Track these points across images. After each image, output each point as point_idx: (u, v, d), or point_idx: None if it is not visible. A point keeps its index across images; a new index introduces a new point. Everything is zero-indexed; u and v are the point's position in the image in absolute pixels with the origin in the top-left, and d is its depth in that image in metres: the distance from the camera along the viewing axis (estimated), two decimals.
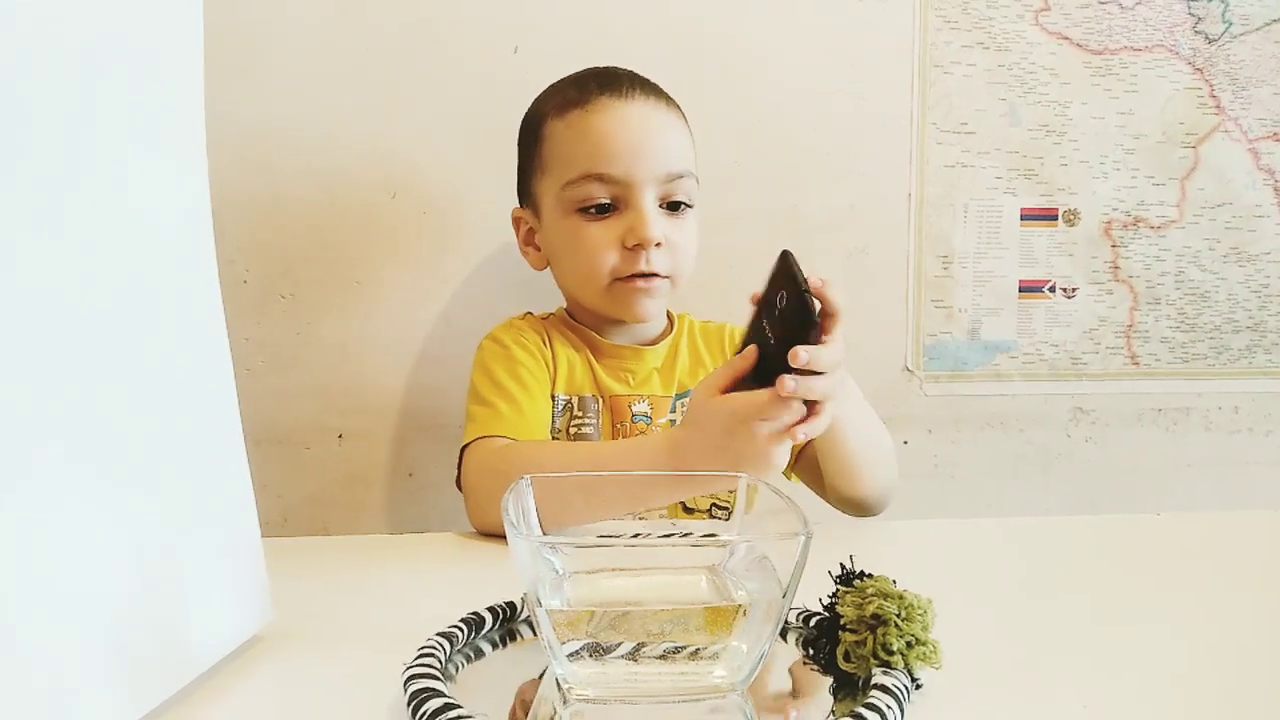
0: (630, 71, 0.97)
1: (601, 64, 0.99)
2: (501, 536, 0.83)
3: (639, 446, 0.83)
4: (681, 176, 0.93)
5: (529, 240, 1.01)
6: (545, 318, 1.02)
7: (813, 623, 0.51)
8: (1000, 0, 1.23)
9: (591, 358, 0.98)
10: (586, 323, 1.00)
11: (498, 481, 0.81)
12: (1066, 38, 1.25)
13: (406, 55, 1.15)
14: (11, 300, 0.38)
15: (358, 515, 1.19)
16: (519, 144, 1.01)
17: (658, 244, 0.91)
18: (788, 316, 0.68)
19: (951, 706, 0.46)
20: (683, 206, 0.94)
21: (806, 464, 0.93)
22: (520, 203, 1.03)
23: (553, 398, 0.95)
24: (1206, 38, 1.27)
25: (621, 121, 0.92)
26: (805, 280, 0.67)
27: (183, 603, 0.48)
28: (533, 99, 1.01)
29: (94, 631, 0.41)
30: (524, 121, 1.01)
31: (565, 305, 1.04)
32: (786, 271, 0.68)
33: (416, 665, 0.46)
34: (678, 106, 0.98)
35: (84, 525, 0.41)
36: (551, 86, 0.99)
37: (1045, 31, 1.25)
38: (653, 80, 0.97)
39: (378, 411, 1.18)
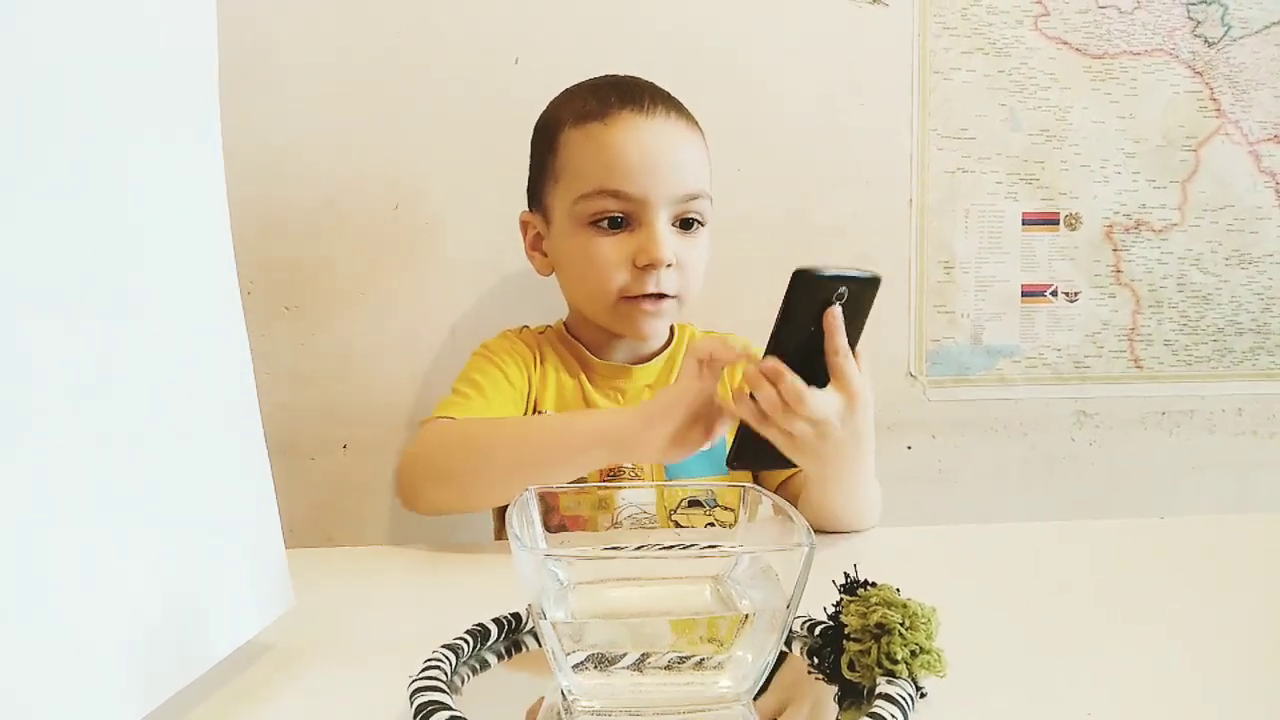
0: (651, 85, 0.95)
1: (602, 74, 0.98)
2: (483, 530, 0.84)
3: (594, 413, 0.89)
4: (696, 197, 0.92)
5: (536, 245, 1.00)
6: (541, 332, 1.02)
7: (817, 632, 0.51)
8: (999, 5, 1.23)
9: (583, 377, 0.97)
10: (583, 338, 0.99)
11: (448, 453, 0.83)
12: (1066, 42, 1.25)
13: (409, 67, 1.15)
14: (45, 312, 0.39)
15: (363, 526, 1.19)
16: (533, 147, 0.99)
17: (669, 265, 0.89)
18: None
19: (956, 715, 0.46)
20: (695, 224, 0.93)
21: (785, 494, 0.92)
22: (529, 206, 1.01)
23: (540, 414, 0.95)
24: (1206, 41, 1.27)
25: (640, 138, 0.90)
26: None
27: (206, 588, 0.49)
28: (533, 105, 0.99)
29: (118, 625, 0.42)
30: (539, 125, 0.98)
31: (564, 318, 1.03)
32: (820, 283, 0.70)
33: (422, 677, 0.46)
34: (697, 124, 0.96)
35: (111, 526, 0.42)
36: (568, 92, 0.97)
37: (1044, 36, 1.25)
38: (673, 95, 0.95)
39: (382, 422, 1.18)
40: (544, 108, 0.99)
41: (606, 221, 0.90)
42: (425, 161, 1.16)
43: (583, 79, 0.99)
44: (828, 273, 0.70)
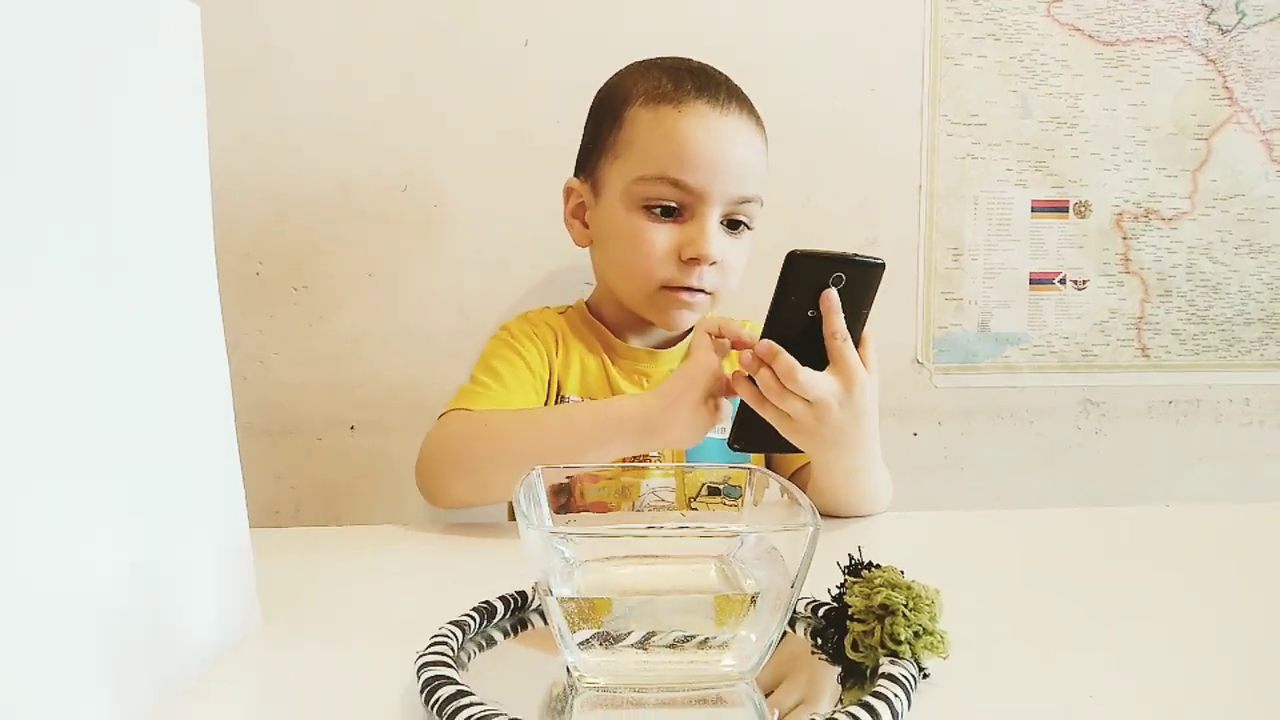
0: (727, 78, 0.93)
1: (609, 56, 0.97)
2: (461, 515, 0.85)
3: (613, 400, 0.87)
4: (749, 200, 0.91)
5: (578, 214, 0.97)
6: (563, 312, 1.01)
7: (821, 612, 0.52)
8: None
9: (606, 359, 0.97)
10: (606, 319, 0.99)
11: (466, 446, 0.82)
12: (1078, 29, 1.25)
13: (418, 49, 1.15)
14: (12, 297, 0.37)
15: (370, 505, 1.20)
16: (591, 116, 0.97)
17: (713, 262, 0.88)
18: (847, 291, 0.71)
19: (959, 696, 0.46)
20: (742, 226, 0.92)
21: (797, 483, 0.91)
22: (577, 174, 0.98)
23: (563, 398, 0.95)
24: (1220, 28, 1.26)
25: (712, 132, 0.88)
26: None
27: (171, 607, 0.47)
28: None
29: (82, 635, 0.40)
30: (604, 96, 0.96)
31: (586, 299, 1.03)
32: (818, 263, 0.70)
33: (429, 653, 0.47)
34: (763, 126, 0.94)
35: (72, 526, 0.40)
36: (640, 67, 0.94)
37: (1057, 23, 1.24)
38: (744, 92, 0.93)
39: (389, 403, 1.19)
40: (609, 78, 0.97)
41: (660, 209, 0.89)
42: (434, 144, 1.16)
43: (591, 62, 0.98)
44: (821, 255, 0.70)
